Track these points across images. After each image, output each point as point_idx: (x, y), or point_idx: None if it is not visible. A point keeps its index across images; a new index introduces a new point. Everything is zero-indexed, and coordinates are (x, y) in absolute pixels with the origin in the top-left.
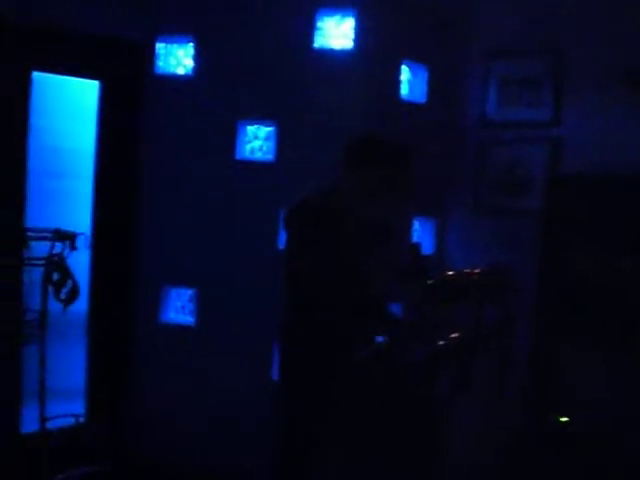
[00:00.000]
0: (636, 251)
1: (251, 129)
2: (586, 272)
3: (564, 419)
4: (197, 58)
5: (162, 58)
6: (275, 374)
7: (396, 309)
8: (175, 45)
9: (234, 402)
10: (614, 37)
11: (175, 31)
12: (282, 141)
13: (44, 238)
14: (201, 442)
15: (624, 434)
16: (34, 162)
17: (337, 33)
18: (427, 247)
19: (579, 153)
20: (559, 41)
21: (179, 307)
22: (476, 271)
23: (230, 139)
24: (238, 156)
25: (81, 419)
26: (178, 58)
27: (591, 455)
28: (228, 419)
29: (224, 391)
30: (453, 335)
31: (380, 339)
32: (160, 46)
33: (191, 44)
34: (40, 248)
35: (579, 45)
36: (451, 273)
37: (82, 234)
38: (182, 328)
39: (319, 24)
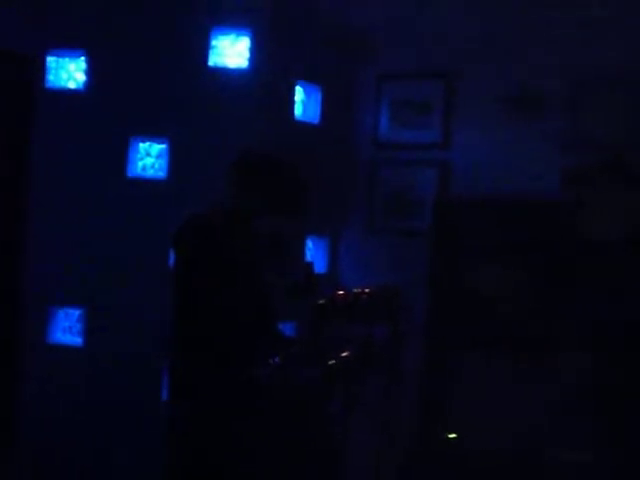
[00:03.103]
0: (518, 270)
1: (143, 146)
2: (473, 292)
3: (453, 435)
4: (89, 72)
5: (52, 72)
6: (165, 395)
7: (288, 328)
8: (66, 59)
9: (124, 424)
10: (503, 61)
11: (66, 44)
12: (174, 159)
13: None
14: (93, 465)
15: (514, 450)
16: None
17: (232, 52)
18: (320, 266)
19: (467, 175)
20: (450, 65)
21: (67, 327)
22: (366, 290)
23: (122, 156)
24: (130, 173)
25: None
26: (69, 72)
27: (482, 472)
28: (119, 441)
29: (114, 413)
30: (343, 354)
31: (271, 358)
32: (51, 59)
33: (83, 58)
34: None
35: (469, 69)
36: (341, 292)
37: None
38: (70, 349)
39: (214, 42)
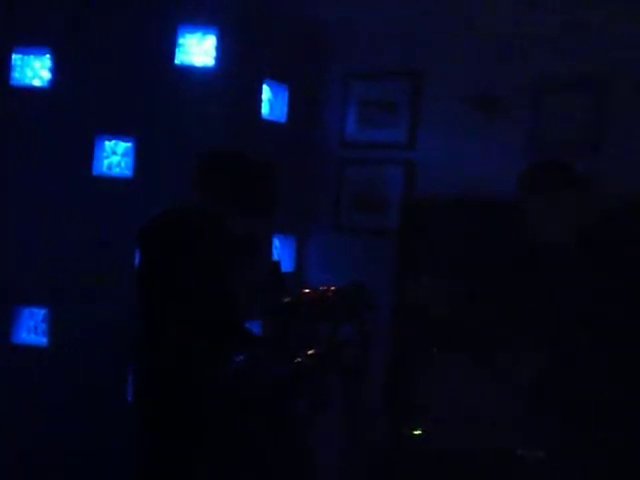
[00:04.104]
0: (482, 269)
1: (109, 144)
2: (437, 292)
3: (417, 432)
4: (54, 70)
5: (18, 69)
6: (131, 396)
7: (255, 326)
8: (32, 56)
9: (89, 425)
10: (470, 62)
11: (32, 42)
12: (140, 157)
13: None
14: (57, 467)
15: (478, 447)
16: None
17: (198, 50)
18: (287, 265)
19: (433, 176)
20: (417, 64)
21: (32, 327)
22: (332, 289)
23: (87, 154)
24: (95, 172)
25: None
26: (34, 70)
27: (447, 469)
28: (83, 443)
29: (79, 414)
30: (310, 352)
31: (239, 357)
32: (16, 57)
33: (48, 55)
34: None
35: (436, 69)
36: (308, 291)
37: None
38: (35, 349)
39: (180, 40)
